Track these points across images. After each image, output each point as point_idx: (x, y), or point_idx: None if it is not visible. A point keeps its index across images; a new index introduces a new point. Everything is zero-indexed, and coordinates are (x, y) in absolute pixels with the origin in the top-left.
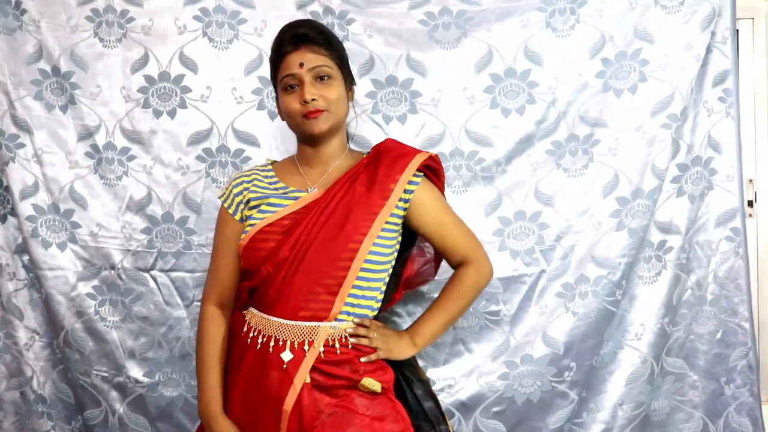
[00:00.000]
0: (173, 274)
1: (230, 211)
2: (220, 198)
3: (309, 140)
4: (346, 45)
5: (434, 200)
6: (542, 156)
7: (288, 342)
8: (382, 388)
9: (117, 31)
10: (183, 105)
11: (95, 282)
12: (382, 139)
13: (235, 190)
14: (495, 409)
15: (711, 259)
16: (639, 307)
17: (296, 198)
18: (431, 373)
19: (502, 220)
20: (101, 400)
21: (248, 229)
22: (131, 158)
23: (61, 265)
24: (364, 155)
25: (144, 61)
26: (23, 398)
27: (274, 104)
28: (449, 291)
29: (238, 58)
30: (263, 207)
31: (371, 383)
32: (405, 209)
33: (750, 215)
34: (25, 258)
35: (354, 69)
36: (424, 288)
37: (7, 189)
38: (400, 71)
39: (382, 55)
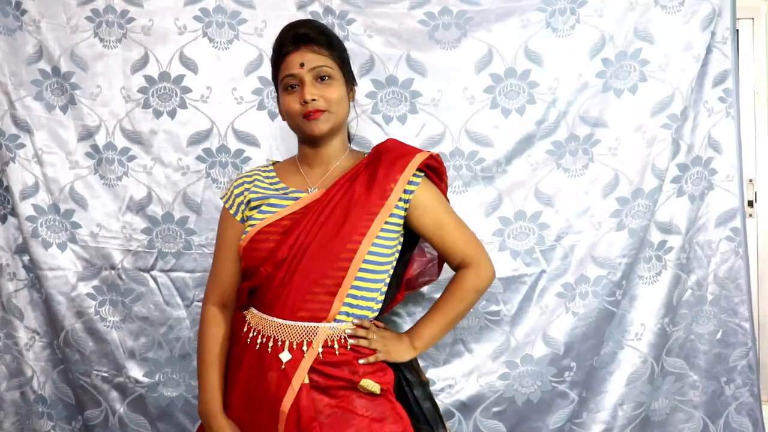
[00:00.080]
0: (173, 275)
1: (231, 211)
2: (221, 199)
3: (309, 141)
4: (346, 45)
5: (434, 201)
6: (542, 156)
7: (287, 342)
8: (382, 389)
9: (117, 31)
10: (183, 105)
11: (95, 282)
12: (382, 140)
13: (236, 191)
14: (495, 409)
15: (711, 259)
16: (639, 307)
17: (296, 198)
18: (431, 373)
19: (502, 220)
20: (101, 400)
21: (248, 229)
22: (131, 158)
23: (62, 265)
24: (365, 155)
25: (144, 61)
26: (23, 398)
27: (275, 104)
28: (449, 294)
29: (238, 58)
30: (263, 207)
31: (370, 384)
32: (405, 209)
33: (750, 215)
34: (26, 258)
35: (354, 69)
36: (425, 289)
37: (8, 189)
38: (401, 71)
39: (382, 56)
